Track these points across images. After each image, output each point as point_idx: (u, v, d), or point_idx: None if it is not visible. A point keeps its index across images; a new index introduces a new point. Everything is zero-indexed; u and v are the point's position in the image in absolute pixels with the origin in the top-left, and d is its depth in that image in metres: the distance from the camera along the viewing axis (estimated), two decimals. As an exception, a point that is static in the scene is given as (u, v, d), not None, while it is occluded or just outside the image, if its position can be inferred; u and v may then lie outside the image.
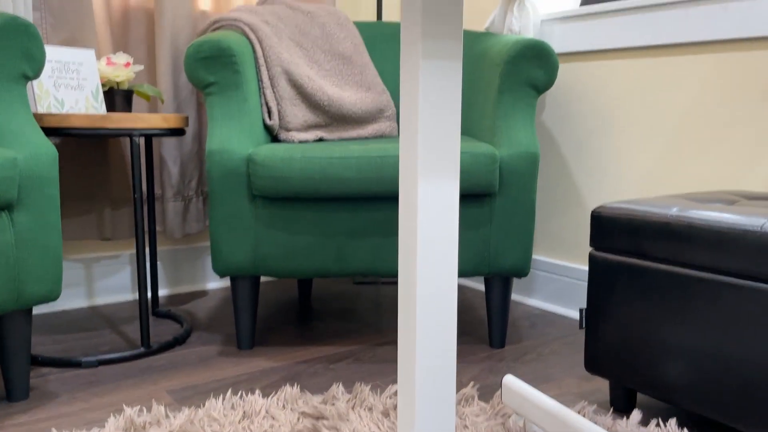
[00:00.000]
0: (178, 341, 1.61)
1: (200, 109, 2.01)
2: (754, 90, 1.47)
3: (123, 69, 1.68)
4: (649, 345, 1.12)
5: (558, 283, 1.90)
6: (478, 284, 2.19)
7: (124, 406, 1.25)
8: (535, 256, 1.97)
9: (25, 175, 1.21)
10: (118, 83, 1.69)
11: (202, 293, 2.09)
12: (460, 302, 2.00)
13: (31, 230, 1.22)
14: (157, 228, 2.00)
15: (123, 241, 2.01)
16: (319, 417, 1.19)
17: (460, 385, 1.37)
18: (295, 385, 1.35)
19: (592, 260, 1.21)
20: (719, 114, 1.53)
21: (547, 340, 1.65)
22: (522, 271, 1.54)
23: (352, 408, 1.22)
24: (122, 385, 1.36)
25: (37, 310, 1.88)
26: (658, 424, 1.18)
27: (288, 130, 1.65)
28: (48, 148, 1.25)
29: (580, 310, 1.25)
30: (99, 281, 1.97)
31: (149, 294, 1.96)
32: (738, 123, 1.50)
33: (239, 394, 1.31)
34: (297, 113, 1.66)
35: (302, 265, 1.48)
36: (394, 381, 1.39)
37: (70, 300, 1.92)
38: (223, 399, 1.27)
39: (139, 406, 1.24)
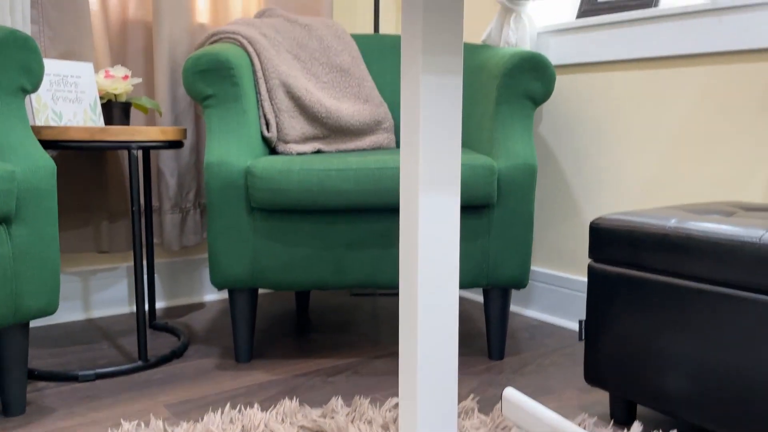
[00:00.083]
0: (176, 354, 1.60)
1: (198, 121, 2.01)
2: (750, 101, 1.48)
3: (121, 82, 1.68)
4: (648, 357, 1.12)
5: (556, 294, 1.90)
6: (476, 295, 2.18)
7: (121, 420, 1.25)
8: (532, 267, 1.97)
9: (23, 188, 1.21)
10: (116, 96, 1.69)
11: (200, 305, 2.08)
12: (459, 314, 2.00)
13: (28, 243, 1.21)
14: (155, 240, 1.99)
15: (120, 253, 2.00)
16: (319, 431, 1.19)
17: (459, 397, 1.37)
18: (294, 398, 1.34)
19: (591, 272, 1.21)
20: (716, 125, 1.54)
21: (546, 352, 1.65)
22: (521, 283, 1.54)
23: (352, 421, 1.22)
24: (120, 399, 1.35)
25: (33, 323, 1.87)
26: (658, 437, 1.17)
27: (286, 142, 1.66)
28: (46, 161, 1.25)
29: (580, 322, 1.25)
30: (96, 294, 1.96)
31: (146, 307, 1.95)
32: (735, 134, 1.51)
33: (238, 407, 1.30)
34: (295, 125, 1.66)
35: (301, 277, 1.48)
36: (394, 394, 1.39)
37: (67, 313, 1.91)
38: (222, 413, 1.26)
39: (137, 421, 1.23)
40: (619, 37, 1.70)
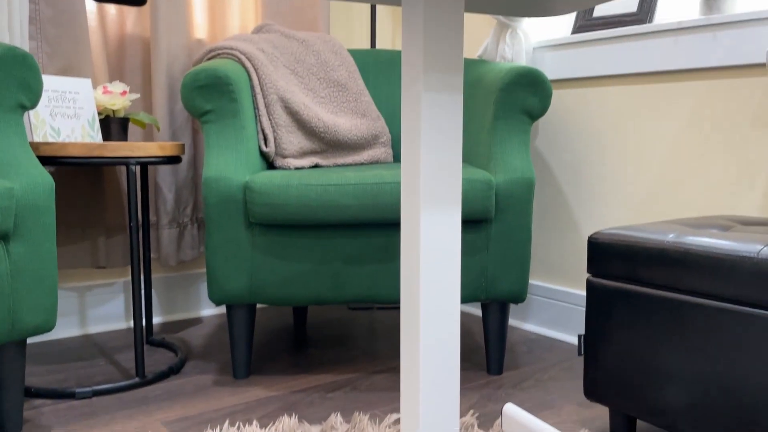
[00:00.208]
0: (173, 371, 1.59)
1: (195, 135, 2.02)
2: (744, 116, 1.49)
3: (119, 97, 1.68)
4: (648, 372, 1.12)
5: (554, 307, 1.90)
6: (474, 309, 2.18)
7: (119, 438, 1.24)
8: (530, 281, 1.98)
9: (22, 204, 1.21)
10: (114, 111, 1.70)
11: (197, 320, 2.08)
12: (457, 328, 1.99)
13: (26, 260, 1.21)
14: (152, 255, 1.99)
15: (116, 268, 1.99)
16: (318, 448, 1.18)
17: (459, 413, 1.36)
18: (293, 415, 1.34)
19: (590, 286, 1.21)
20: (711, 140, 1.55)
21: (544, 366, 1.64)
22: (519, 297, 1.54)
23: (351, 438, 1.21)
24: (117, 416, 1.34)
25: (29, 339, 1.86)
26: (659, 452, 1.17)
27: (284, 156, 1.66)
28: (44, 178, 1.25)
29: (579, 337, 1.25)
30: (92, 309, 1.95)
31: (143, 322, 1.94)
32: (729, 149, 1.52)
33: (236, 425, 1.29)
34: (293, 140, 1.67)
35: (299, 292, 1.48)
36: (393, 410, 1.38)
37: (64, 329, 1.90)
38: (220, 430, 1.25)
39: (134, 439, 1.22)
40: (614, 53, 1.71)
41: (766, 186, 1.46)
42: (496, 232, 1.51)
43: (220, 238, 1.46)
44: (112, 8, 1.90)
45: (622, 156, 1.73)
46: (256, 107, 1.64)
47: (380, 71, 1.99)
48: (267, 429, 1.25)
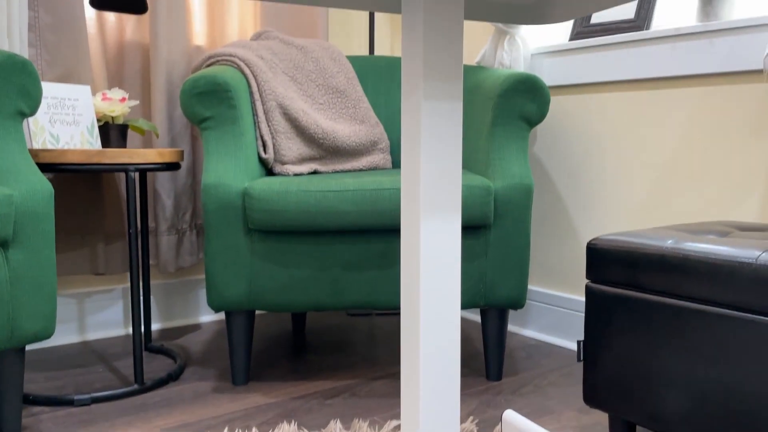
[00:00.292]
0: (172, 377, 1.59)
1: (194, 142, 2.02)
2: (741, 122, 1.49)
3: (118, 104, 1.68)
4: (647, 378, 1.12)
5: (553, 313, 1.90)
6: (473, 315, 2.18)
7: (118, 445, 1.23)
8: (529, 287, 1.98)
9: (21, 211, 1.21)
10: (113, 118, 1.70)
11: (195, 327, 2.07)
12: (456, 334, 1.99)
13: (25, 267, 1.21)
14: (150, 261, 1.99)
15: (115, 275, 1.99)
16: (318, 454, 1.18)
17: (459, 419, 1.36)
18: (292, 421, 1.34)
19: (589, 292, 1.22)
20: (708, 146, 1.56)
21: (543, 372, 1.64)
22: (518, 303, 1.54)
23: (351, 445, 1.21)
24: (116, 423, 1.34)
25: (28, 345, 1.85)
26: (658, 458, 1.17)
27: (283, 163, 1.66)
28: (44, 185, 1.25)
29: (578, 343, 1.25)
30: (91, 316, 1.95)
31: (142, 329, 1.94)
32: (727, 154, 1.52)
33: (235, 431, 1.29)
34: (292, 146, 1.67)
35: (298, 298, 1.48)
36: (392, 416, 1.38)
37: (62, 335, 1.90)
38: (220, 437, 1.25)
39: (133, 446, 1.22)
40: (612, 59, 1.72)
41: (764, 192, 1.46)
42: (494, 238, 1.51)
43: (220, 244, 1.46)
44: (111, 15, 1.91)
45: (620, 162, 1.74)
46: (255, 114, 1.64)
47: (379, 78, 2.00)
48: (266, 436, 1.24)
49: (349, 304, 1.49)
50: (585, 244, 1.83)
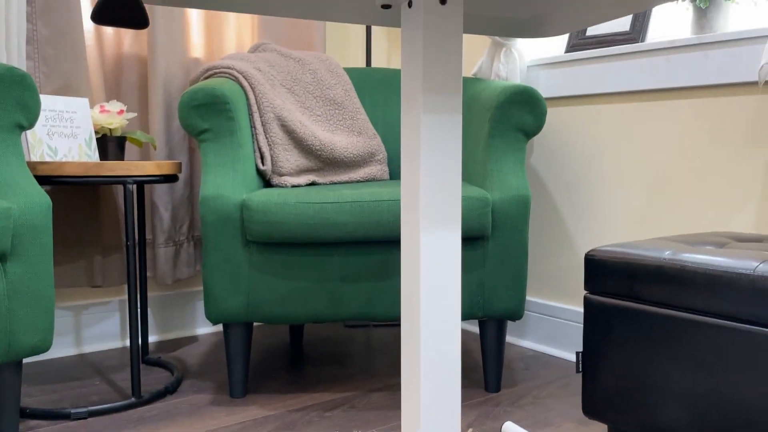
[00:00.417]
0: (169, 390, 1.58)
1: (192, 154, 2.02)
2: (735, 134, 1.51)
3: (116, 116, 1.69)
4: (646, 389, 1.12)
5: (551, 324, 1.90)
6: (471, 326, 2.18)
7: (115, 459, 1.23)
8: (527, 298, 1.98)
9: (19, 224, 1.20)
10: (111, 130, 1.70)
11: (192, 339, 2.07)
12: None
13: (23, 280, 1.20)
14: (148, 274, 1.98)
15: (112, 287, 1.98)
16: (317, 468, 1.17)
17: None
18: (291, 434, 1.33)
19: (587, 303, 1.22)
20: (704, 157, 1.57)
21: (542, 383, 1.64)
22: (516, 314, 1.54)
23: (350, 457, 1.20)
24: (113, 437, 1.33)
25: (24, 359, 1.84)
26: (658, 469, 1.17)
27: (281, 174, 1.67)
28: (42, 198, 1.25)
29: (577, 354, 1.25)
30: (88, 328, 1.94)
31: (139, 341, 1.93)
32: (722, 165, 1.53)
33: (234, 444, 1.28)
34: (289, 158, 1.68)
35: (297, 310, 1.48)
36: (392, 428, 1.38)
37: (59, 348, 1.89)
38: (218, 450, 1.24)
39: (131, 460, 1.21)
40: (607, 71, 1.73)
41: (760, 203, 1.47)
42: (492, 249, 1.51)
43: (217, 256, 1.46)
44: (109, 28, 1.91)
45: (616, 173, 1.75)
46: (253, 126, 1.65)
47: (376, 89, 2.01)
48: (265, 449, 1.24)
49: (348, 315, 1.49)
50: (582, 255, 1.84)
